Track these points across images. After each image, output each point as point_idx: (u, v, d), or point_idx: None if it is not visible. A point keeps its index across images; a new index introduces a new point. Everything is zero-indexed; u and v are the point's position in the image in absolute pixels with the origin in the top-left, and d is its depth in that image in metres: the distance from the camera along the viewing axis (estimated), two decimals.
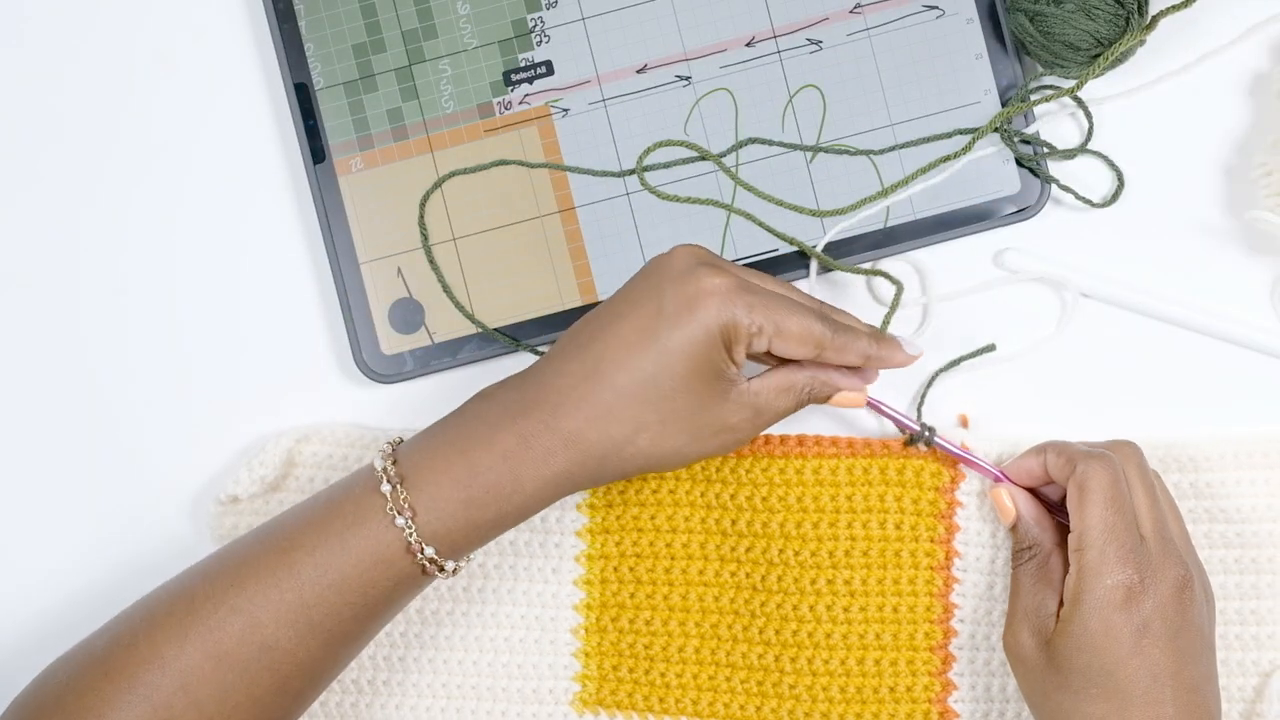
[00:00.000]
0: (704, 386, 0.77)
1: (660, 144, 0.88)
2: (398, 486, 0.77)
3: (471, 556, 0.79)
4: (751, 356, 0.80)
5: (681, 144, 0.88)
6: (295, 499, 0.88)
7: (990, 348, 0.86)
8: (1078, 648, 0.75)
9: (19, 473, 0.91)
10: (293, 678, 0.76)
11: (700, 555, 0.86)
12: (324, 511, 0.78)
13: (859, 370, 0.81)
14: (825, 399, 0.81)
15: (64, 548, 0.91)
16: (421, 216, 0.89)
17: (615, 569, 0.87)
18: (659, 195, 0.88)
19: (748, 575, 0.86)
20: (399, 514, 0.76)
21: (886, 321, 0.85)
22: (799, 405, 0.80)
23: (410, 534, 0.76)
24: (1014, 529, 0.82)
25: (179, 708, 0.74)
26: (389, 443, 0.79)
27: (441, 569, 0.78)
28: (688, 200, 0.88)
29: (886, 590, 0.85)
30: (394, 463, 0.78)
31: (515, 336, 0.89)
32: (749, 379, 0.79)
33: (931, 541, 0.85)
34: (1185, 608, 0.76)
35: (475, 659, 0.88)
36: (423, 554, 0.76)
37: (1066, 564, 0.79)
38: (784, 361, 0.80)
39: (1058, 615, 0.77)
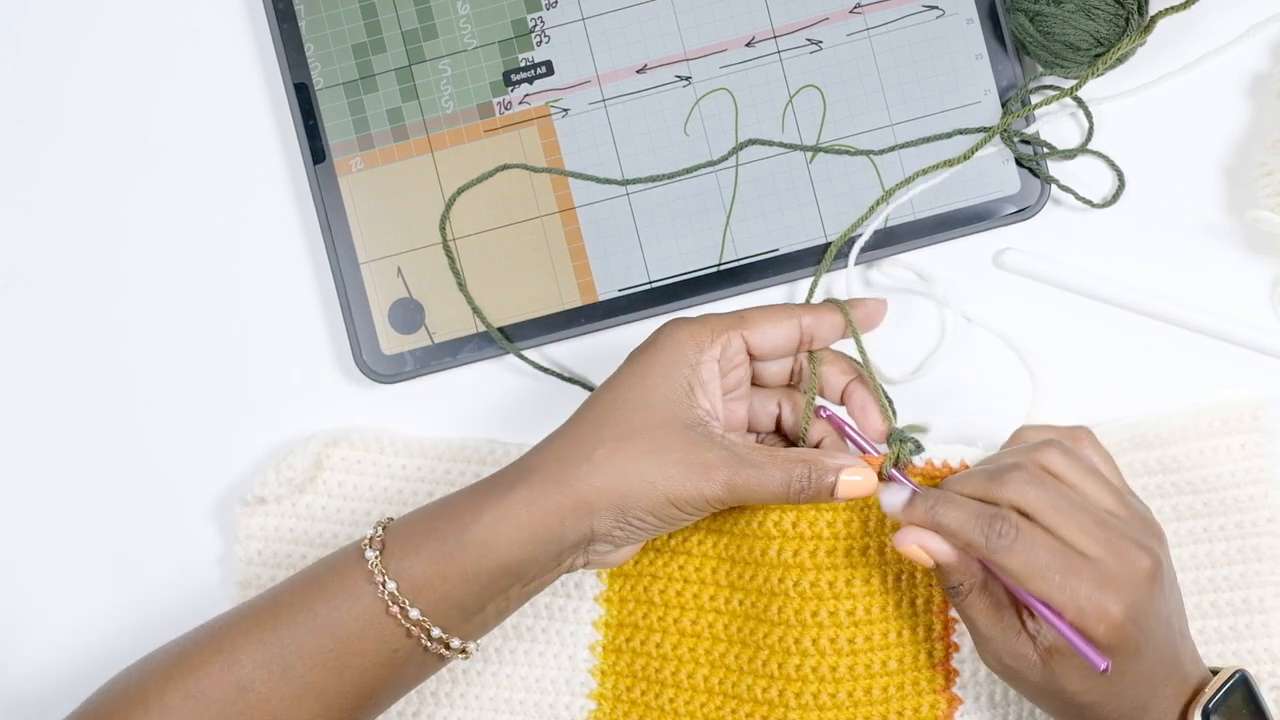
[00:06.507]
0: (667, 408, 0.76)
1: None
2: (378, 530, 0.77)
3: (452, 643, 0.77)
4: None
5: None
6: (323, 502, 0.88)
7: (922, 429, 0.84)
8: (1081, 675, 0.74)
9: (15, 472, 0.91)
10: None
11: (711, 580, 0.84)
12: (314, 565, 0.79)
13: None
14: (825, 484, 0.77)
15: (62, 548, 0.91)
16: (443, 228, 0.89)
17: (633, 588, 0.85)
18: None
19: (752, 604, 0.82)
20: (369, 546, 0.76)
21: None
22: (788, 481, 0.76)
23: (374, 564, 0.76)
24: (938, 569, 0.76)
25: None
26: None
27: (404, 612, 0.75)
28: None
29: (889, 616, 0.82)
30: (390, 519, 0.79)
31: (515, 337, 0.89)
32: (728, 435, 0.78)
33: None
34: (1158, 588, 0.74)
35: (494, 670, 0.87)
36: (384, 588, 0.75)
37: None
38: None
39: (1022, 623, 0.74)
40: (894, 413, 0.81)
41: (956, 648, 0.83)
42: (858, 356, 0.81)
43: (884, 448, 0.80)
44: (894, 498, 0.76)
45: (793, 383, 0.83)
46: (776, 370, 0.82)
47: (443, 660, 0.78)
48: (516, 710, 0.87)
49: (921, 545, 0.75)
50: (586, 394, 0.88)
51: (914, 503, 0.76)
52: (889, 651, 0.82)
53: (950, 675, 0.83)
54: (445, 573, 0.76)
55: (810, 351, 0.81)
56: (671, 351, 0.77)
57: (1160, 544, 0.75)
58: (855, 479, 0.77)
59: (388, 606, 0.75)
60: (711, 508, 0.77)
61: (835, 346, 0.83)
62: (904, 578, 0.82)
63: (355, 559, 0.77)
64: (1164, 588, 0.74)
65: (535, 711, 0.87)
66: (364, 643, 0.76)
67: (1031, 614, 0.74)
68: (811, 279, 0.87)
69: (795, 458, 0.76)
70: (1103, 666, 0.72)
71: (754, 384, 0.82)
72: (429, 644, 0.76)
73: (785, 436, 0.83)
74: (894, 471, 0.77)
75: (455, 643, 0.77)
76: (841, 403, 0.82)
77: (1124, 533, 0.73)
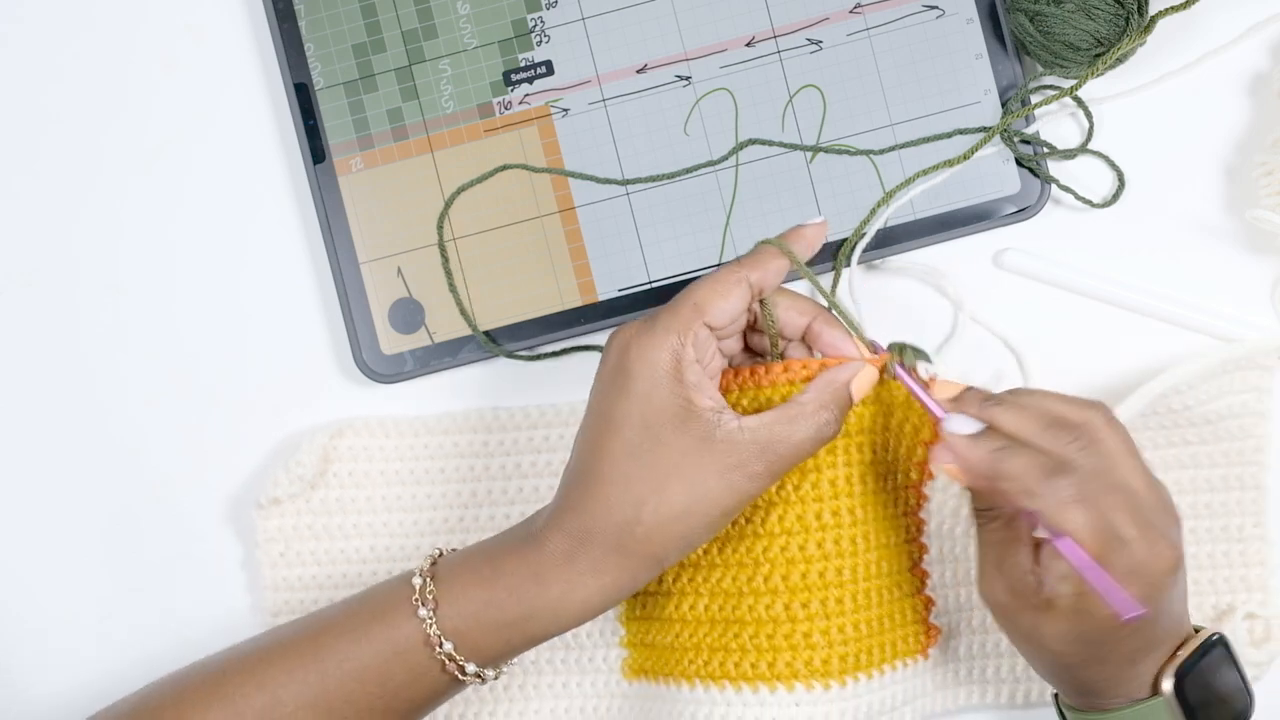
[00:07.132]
0: (678, 429, 0.75)
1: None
2: (427, 580, 0.77)
3: (503, 669, 0.78)
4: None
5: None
6: (336, 495, 0.88)
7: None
8: (1066, 639, 0.75)
9: (13, 472, 0.91)
10: None
11: None
12: (357, 602, 0.79)
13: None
14: (847, 407, 0.77)
15: (65, 553, 0.91)
16: (440, 228, 0.89)
17: None
18: None
19: (745, 520, 0.80)
20: (422, 604, 0.76)
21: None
22: (819, 427, 0.76)
23: (430, 625, 0.76)
24: (974, 493, 0.77)
25: None
26: (437, 549, 0.80)
27: (462, 670, 0.76)
28: None
29: (882, 514, 0.80)
30: (432, 563, 0.78)
31: (514, 337, 0.89)
32: (744, 419, 0.76)
33: (908, 460, 0.81)
34: (1174, 578, 0.74)
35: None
36: (441, 648, 0.76)
37: (1031, 521, 0.75)
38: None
39: (1033, 564, 0.74)
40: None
41: (927, 549, 0.84)
42: (818, 297, 0.79)
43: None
44: (960, 427, 0.75)
45: (751, 324, 0.81)
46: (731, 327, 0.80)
47: (458, 687, 0.79)
48: (559, 670, 0.87)
49: (950, 468, 0.75)
50: (582, 375, 0.86)
51: (977, 441, 0.75)
52: (882, 552, 0.80)
53: (924, 579, 0.84)
54: (510, 639, 0.77)
55: (761, 301, 0.79)
56: (652, 374, 0.75)
57: (1179, 532, 0.75)
58: (864, 385, 0.78)
59: (444, 665, 0.76)
60: (762, 493, 0.77)
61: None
62: (891, 476, 0.82)
63: (404, 610, 0.77)
64: (1179, 578, 0.75)
65: (578, 669, 0.87)
66: (413, 690, 0.77)
67: (1038, 561, 0.74)
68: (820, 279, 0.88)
69: (814, 406, 0.76)
70: (1130, 615, 0.72)
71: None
72: (466, 678, 0.77)
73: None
74: (901, 374, 0.77)
75: (470, 667, 0.77)
76: (806, 346, 0.81)
77: (1152, 522, 0.74)
